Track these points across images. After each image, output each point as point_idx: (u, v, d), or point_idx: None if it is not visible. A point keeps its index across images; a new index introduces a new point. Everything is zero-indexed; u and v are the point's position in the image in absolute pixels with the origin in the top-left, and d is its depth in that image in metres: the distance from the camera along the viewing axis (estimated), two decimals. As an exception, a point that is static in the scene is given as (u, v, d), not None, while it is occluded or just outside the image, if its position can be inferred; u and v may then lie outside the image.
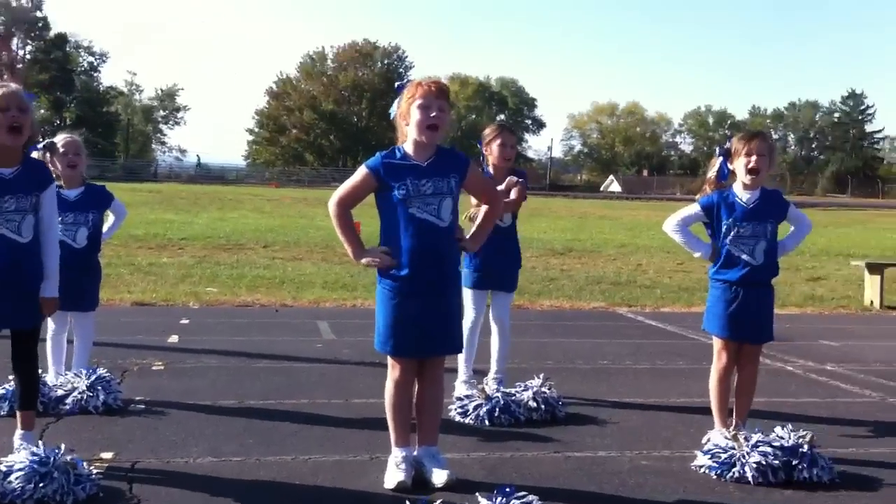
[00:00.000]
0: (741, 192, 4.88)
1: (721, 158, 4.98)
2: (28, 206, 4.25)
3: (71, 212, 5.56)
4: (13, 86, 4.26)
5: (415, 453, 4.32)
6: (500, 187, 5.75)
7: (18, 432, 4.36)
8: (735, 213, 4.83)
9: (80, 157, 5.70)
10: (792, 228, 5.10)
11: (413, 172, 4.19)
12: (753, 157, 4.80)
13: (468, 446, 4.89)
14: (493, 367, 6.12)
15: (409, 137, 4.26)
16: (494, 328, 6.14)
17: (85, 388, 5.39)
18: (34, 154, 4.95)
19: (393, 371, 4.31)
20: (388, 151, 4.29)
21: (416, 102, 4.18)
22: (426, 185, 4.18)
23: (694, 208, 4.95)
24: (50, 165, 5.33)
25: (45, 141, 5.47)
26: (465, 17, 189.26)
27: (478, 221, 4.47)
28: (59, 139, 5.62)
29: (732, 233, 4.82)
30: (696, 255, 4.98)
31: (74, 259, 5.42)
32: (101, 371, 5.62)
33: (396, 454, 4.28)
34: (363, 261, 4.26)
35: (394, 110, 4.36)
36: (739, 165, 4.85)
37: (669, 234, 5.04)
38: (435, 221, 4.19)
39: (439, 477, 4.17)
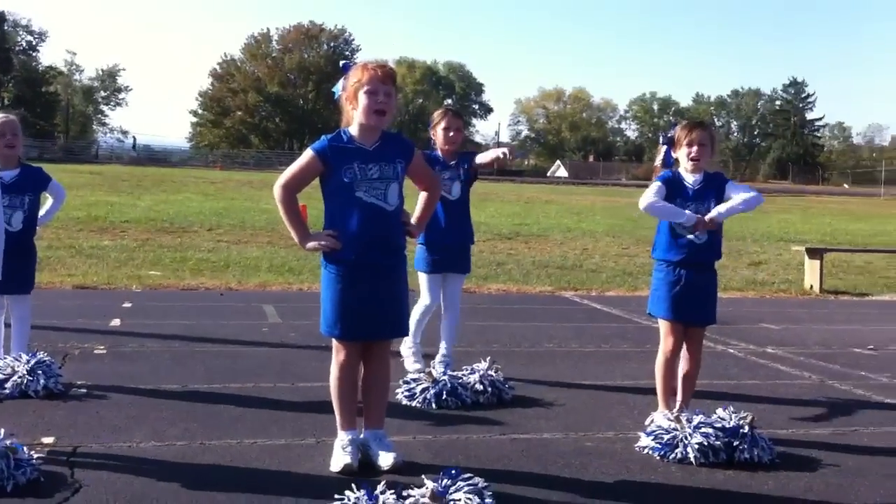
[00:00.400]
0: (686, 175, 4.97)
1: (665, 147, 5.10)
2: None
3: (6, 194, 5.38)
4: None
5: (361, 436, 4.31)
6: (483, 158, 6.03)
7: None
8: (682, 193, 4.92)
9: (17, 137, 5.59)
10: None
11: (359, 156, 4.17)
12: (695, 148, 4.91)
13: (415, 429, 4.90)
14: (441, 349, 6.16)
15: (355, 121, 4.22)
16: (445, 310, 6.18)
17: (25, 371, 5.29)
18: None
19: (338, 354, 4.29)
20: (334, 135, 4.25)
21: (363, 88, 4.13)
22: (372, 169, 4.16)
23: (657, 185, 4.98)
24: None
25: None
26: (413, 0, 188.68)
27: (418, 208, 4.45)
28: None
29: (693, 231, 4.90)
30: (681, 220, 4.90)
31: (9, 242, 5.30)
32: (42, 355, 5.51)
33: (342, 437, 4.27)
34: (309, 245, 4.22)
35: (338, 90, 4.31)
36: (682, 154, 4.96)
37: (650, 210, 4.92)
38: (382, 206, 4.17)
39: (385, 459, 4.17)
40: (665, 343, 4.99)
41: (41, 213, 5.92)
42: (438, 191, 4.62)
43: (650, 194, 4.91)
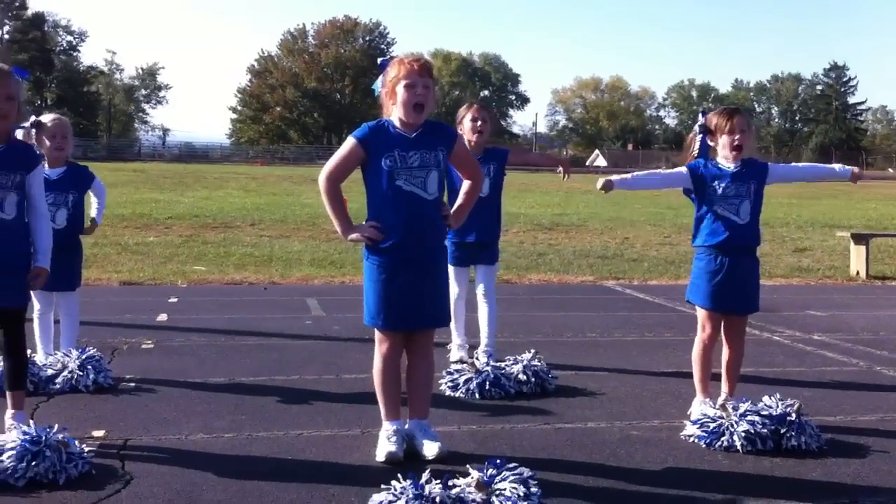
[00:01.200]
0: (722, 161, 4.90)
1: (701, 136, 4.94)
2: (10, 183, 4.22)
3: (51, 192, 5.39)
4: (5, 68, 4.24)
5: (406, 426, 4.34)
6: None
7: (9, 412, 4.35)
8: (719, 174, 4.85)
9: (66, 140, 5.70)
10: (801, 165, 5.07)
11: (400, 143, 4.19)
12: (737, 135, 4.82)
13: (459, 419, 4.92)
14: (483, 340, 6.17)
15: (394, 116, 4.26)
16: (482, 302, 6.19)
17: (75, 367, 5.38)
18: (18, 133, 4.90)
19: (381, 345, 4.32)
20: (375, 122, 4.29)
21: (401, 82, 4.17)
22: (413, 156, 4.18)
23: (678, 169, 4.95)
24: (36, 144, 5.31)
25: (33, 120, 5.43)
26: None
27: (460, 197, 4.46)
28: (48, 119, 5.58)
29: (718, 191, 4.81)
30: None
31: (54, 239, 5.40)
32: (91, 350, 5.60)
33: (387, 427, 4.30)
34: (351, 236, 4.26)
35: (377, 87, 4.36)
36: (723, 142, 4.85)
37: (635, 178, 5.04)
38: (421, 194, 4.19)
39: (430, 449, 4.20)
40: (702, 331, 4.94)
41: (93, 213, 6.01)
42: (482, 179, 4.63)
43: (656, 171, 4.97)
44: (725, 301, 4.86)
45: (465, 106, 6.25)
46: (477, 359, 5.78)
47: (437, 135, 4.29)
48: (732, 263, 4.84)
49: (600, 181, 4.89)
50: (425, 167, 4.19)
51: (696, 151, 4.95)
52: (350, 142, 4.26)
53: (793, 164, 4.98)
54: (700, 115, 5.04)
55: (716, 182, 4.83)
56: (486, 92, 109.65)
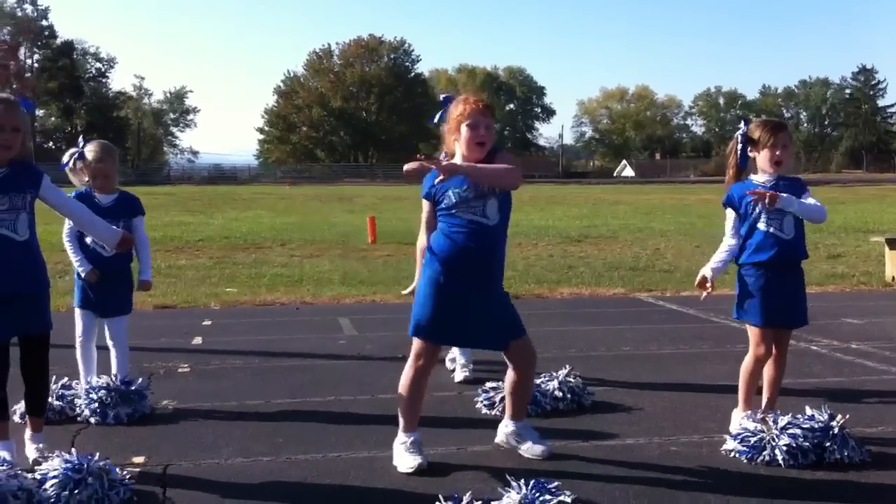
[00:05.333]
0: (759, 178, 4.87)
1: (741, 146, 4.91)
2: (22, 203, 4.25)
3: (103, 218, 5.21)
4: (12, 99, 4.28)
5: (513, 428, 4.63)
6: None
7: (28, 432, 4.42)
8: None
9: (108, 178, 5.62)
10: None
11: (454, 182, 4.37)
12: (778, 151, 4.81)
13: (496, 438, 4.89)
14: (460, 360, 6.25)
15: (458, 152, 4.46)
16: None
17: (116, 396, 5.37)
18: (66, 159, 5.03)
19: (418, 359, 4.46)
20: (432, 173, 4.48)
21: (465, 121, 4.39)
22: (467, 190, 4.36)
23: (729, 216, 4.93)
24: (80, 173, 5.44)
25: (75, 151, 5.52)
26: (470, 6, 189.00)
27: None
28: (90, 153, 5.58)
29: (759, 208, 4.78)
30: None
31: (102, 266, 5.49)
32: (139, 379, 5.60)
33: (404, 439, 4.42)
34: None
35: (437, 119, 4.66)
36: (765, 155, 4.83)
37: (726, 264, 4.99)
38: (482, 221, 4.37)
39: (534, 450, 4.55)
40: (757, 349, 4.88)
41: (142, 274, 5.83)
42: (509, 172, 4.49)
43: (726, 231, 4.94)
44: (778, 316, 4.82)
45: None
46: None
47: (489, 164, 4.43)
48: (781, 278, 4.81)
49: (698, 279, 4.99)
50: (481, 197, 4.36)
51: (738, 160, 4.93)
52: (423, 203, 4.56)
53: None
54: (742, 122, 5.00)
55: (753, 204, 4.80)
56: (512, 105, 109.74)
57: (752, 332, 4.90)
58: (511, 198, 4.49)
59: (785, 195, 4.75)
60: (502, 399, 5.44)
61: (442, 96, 4.65)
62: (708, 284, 4.94)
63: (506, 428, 4.69)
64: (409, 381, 4.46)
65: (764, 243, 4.80)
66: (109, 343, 5.76)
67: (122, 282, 5.73)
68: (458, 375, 6.32)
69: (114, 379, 5.50)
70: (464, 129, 4.39)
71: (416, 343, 4.47)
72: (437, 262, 4.40)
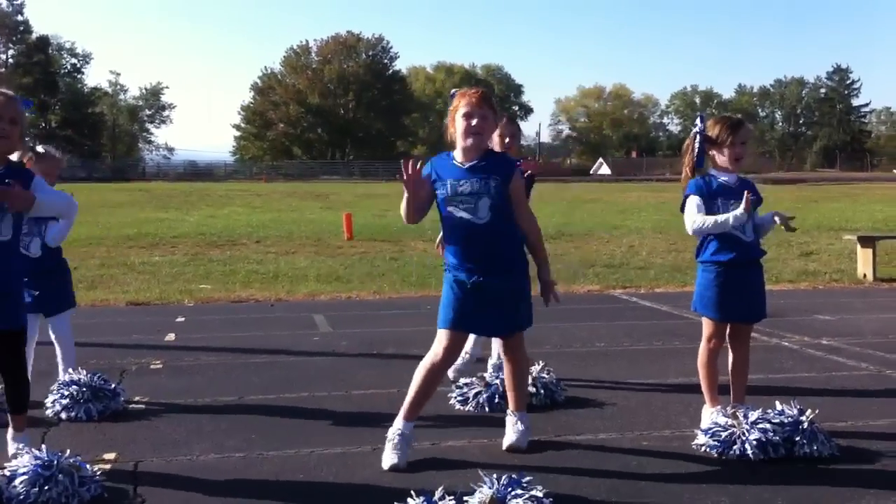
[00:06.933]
0: (720, 175, 4.86)
1: (699, 144, 4.84)
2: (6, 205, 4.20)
3: (26, 223, 5.00)
4: (10, 94, 4.24)
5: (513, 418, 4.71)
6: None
7: (11, 432, 4.37)
8: (723, 192, 4.81)
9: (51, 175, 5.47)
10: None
11: (454, 173, 4.47)
12: (738, 148, 4.80)
13: (470, 433, 4.91)
14: (493, 354, 6.16)
15: (457, 145, 4.54)
16: None
17: (86, 396, 5.32)
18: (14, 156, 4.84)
19: (442, 345, 4.48)
20: (438, 156, 4.61)
21: (459, 112, 4.50)
22: (464, 184, 4.43)
23: (694, 200, 4.85)
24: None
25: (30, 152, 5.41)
26: (448, 4, 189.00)
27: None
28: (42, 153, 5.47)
29: (723, 209, 4.77)
30: (737, 222, 4.76)
31: (32, 266, 5.31)
32: (99, 375, 5.55)
33: (399, 427, 4.44)
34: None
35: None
36: (725, 153, 4.80)
37: (701, 233, 4.82)
38: (472, 219, 4.42)
39: (507, 439, 4.64)
40: (708, 341, 4.91)
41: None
42: (526, 221, 4.65)
43: (694, 215, 4.79)
44: (735, 312, 4.85)
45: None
46: (486, 372, 5.77)
47: (494, 165, 4.49)
48: (740, 276, 4.82)
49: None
50: (476, 194, 4.42)
51: (695, 157, 4.87)
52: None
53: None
54: (698, 118, 4.93)
55: (720, 199, 4.79)
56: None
57: (707, 325, 4.93)
58: (508, 200, 4.48)
59: (761, 217, 4.84)
60: (476, 395, 5.47)
61: (452, 91, 4.75)
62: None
63: (508, 418, 4.77)
64: (433, 365, 4.52)
65: (725, 244, 4.80)
66: (55, 341, 5.70)
67: (54, 278, 5.61)
68: (450, 373, 6.22)
69: (71, 377, 5.42)
70: (458, 119, 4.50)
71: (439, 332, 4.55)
72: (446, 261, 4.58)
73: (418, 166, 4.40)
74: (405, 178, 4.36)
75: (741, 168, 4.87)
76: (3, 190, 4.04)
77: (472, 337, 6.08)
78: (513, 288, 4.57)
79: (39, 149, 5.51)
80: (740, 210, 4.68)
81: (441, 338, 4.50)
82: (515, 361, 4.73)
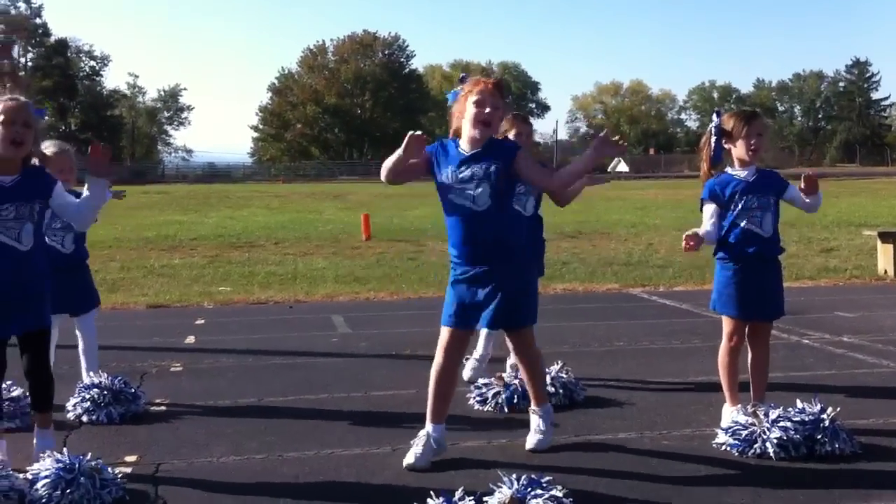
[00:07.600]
0: (737, 171, 4.84)
1: (716, 139, 4.83)
2: (28, 213, 4.22)
3: (58, 218, 5.25)
4: (22, 99, 4.28)
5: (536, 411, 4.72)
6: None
7: (37, 429, 4.42)
8: (738, 188, 4.80)
9: (69, 172, 5.49)
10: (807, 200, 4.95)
11: (455, 160, 4.41)
12: (754, 140, 4.78)
13: (489, 434, 4.91)
14: (512, 354, 6.15)
15: (464, 132, 4.45)
16: None
17: (109, 395, 5.36)
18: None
19: (443, 344, 4.48)
20: (448, 140, 4.53)
21: (471, 98, 4.40)
22: (464, 170, 4.38)
23: (709, 208, 4.87)
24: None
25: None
26: (464, 1, 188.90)
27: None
28: (49, 152, 5.44)
29: (740, 205, 4.77)
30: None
31: (61, 263, 5.34)
32: (120, 378, 5.57)
33: (427, 428, 4.43)
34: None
35: (451, 97, 4.59)
36: (741, 146, 4.79)
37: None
38: (470, 206, 4.37)
39: (530, 441, 4.63)
40: (728, 340, 4.88)
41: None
42: (555, 182, 4.66)
43: (706, 223, 4.85)
44: (754, 310, 4.82)
45: (507, 120, 5.81)
46: (505, 372, 5.76)
47: (494, 150, 4.43)
48: (758, 274, 4.81)
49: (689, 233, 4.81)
50: (475, 180, 4.36)
51: (712, 153, 4.85)
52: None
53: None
54: (714, 115, 4.93)
55: (736, 194, 4.79)
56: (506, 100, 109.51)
57: (727, 323, 4.91)
58: (512, 187, 4.48)
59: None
60: (495, 395, 5.46)
61: (462, 75, 4.68)
62: (692, 243, 4.76)
63: (532, 416, 4.77)
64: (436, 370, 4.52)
65: (743, 240, 4.79)
66: (81, 340, 5.74)
67: (80, 276, 5.68)
68: (466, 372, 6.23)
69: (95, 380, 5.46)
70: (469, 105, 4.41)
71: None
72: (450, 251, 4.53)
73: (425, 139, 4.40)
74: (410, 137, 4.32)
75: (759, 160, 4.84)
76: (98, 150, 4.25)
77: (482, 336, 6.08)
78: (513, 278, 4.44)
79: (46, 150, 5.51)
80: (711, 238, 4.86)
81: (442, 336, 4.49)
82: (526, 360, 4.70)
